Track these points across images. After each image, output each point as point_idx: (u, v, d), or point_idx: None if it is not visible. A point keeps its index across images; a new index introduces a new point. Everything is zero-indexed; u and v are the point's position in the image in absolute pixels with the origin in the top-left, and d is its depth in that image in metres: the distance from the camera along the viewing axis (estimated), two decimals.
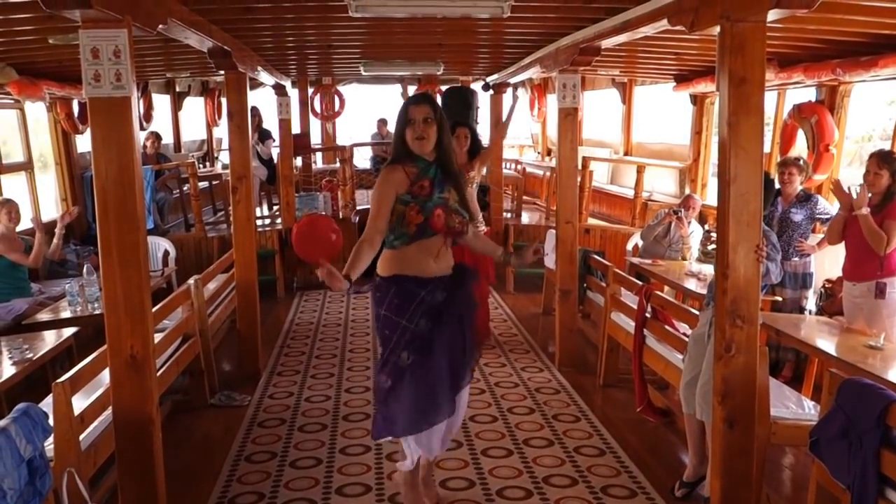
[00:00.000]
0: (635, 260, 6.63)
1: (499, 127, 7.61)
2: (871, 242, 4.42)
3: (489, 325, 6.68)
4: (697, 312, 4.24)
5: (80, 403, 3.29)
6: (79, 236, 7.90)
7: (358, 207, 9.50)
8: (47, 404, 3.14)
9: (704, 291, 4.93)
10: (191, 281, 5.26)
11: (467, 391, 3.53)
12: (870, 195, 4.55)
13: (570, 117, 5.72)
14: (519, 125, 13.24)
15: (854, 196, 4.51)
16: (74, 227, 7.94)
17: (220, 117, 12.08)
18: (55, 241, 5.98)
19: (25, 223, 6.10)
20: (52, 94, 6.85)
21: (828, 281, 5.41)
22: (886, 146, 5.53)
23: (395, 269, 3.25)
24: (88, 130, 3.10)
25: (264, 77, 7.44)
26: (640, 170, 8.52)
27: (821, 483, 3.01)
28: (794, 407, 3.71)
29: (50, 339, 4.56)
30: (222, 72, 5.51)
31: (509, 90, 9.51)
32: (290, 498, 3.79)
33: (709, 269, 5.49)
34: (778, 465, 4.26)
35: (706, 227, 6.58)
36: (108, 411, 3.33)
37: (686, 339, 4.15)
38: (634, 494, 3.83)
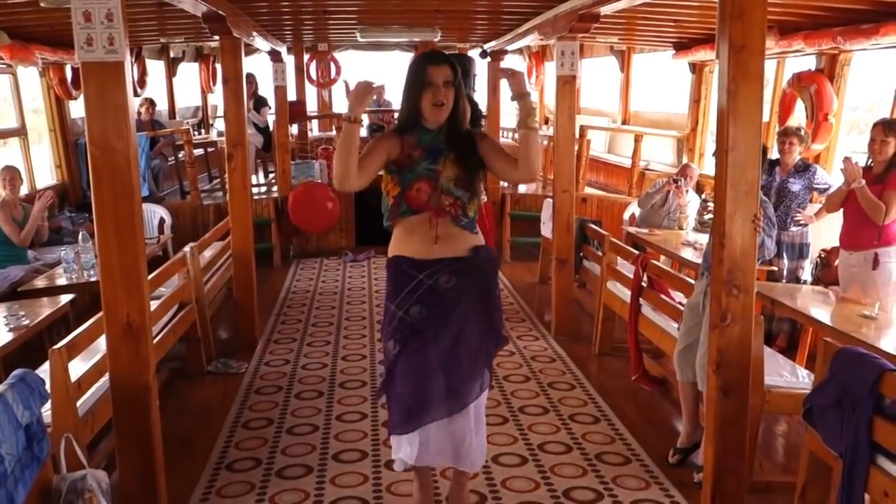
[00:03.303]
0: (632, 229, 6.63)
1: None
2: (870, 213, 4.41)
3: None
4: (693, 282, 4.25)
5: (77, 370, 3.30)
6: (74, 203, 7.86)
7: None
8: (44, 371, 3.14)
9: (700, 261, 4.94)
10: (186, 248, 5.25)
11: (475, 415, 2.86)
12: (871, 164, 4.53)
13: (567, 85, 5.69)
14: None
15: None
16: (69, 194, 7.91)
17: (214, 84, 11.97)
18: (41, 222, 5.93)
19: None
20: (44, 59, 6.77)
21: (823, 250, 5.41)
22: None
23: (393, 249, 2.85)
24: (82, 96, 3.06)
25: (259, 43, 7.36)
26: (638, 139, 8.49)
27: (813, 451, 3.03)
28: (788, 376, 3.73)
29: (46, 305, 4.55)
30: (217, 37, 5.45)
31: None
32: (287, 464, 3.82)
33: (706, 239, 5.49)
34: (771, 433, 4.31)
35: (703, 196, 6.58)
36: (105, 377, 3.34)
37: (681, 308, 4.17)
38: (628, 461, 3.87)
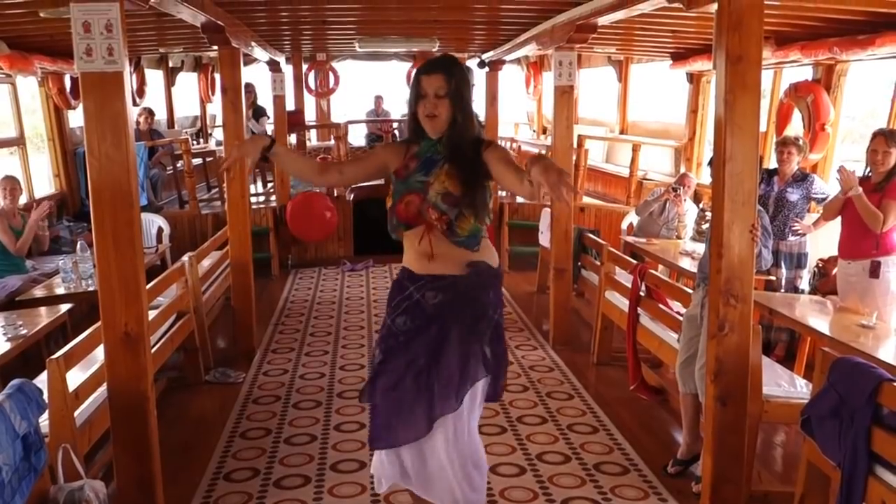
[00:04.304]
0: (630, 239, 6.63)
1: None
2: (868, 222, 4.41)
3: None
4: (691, 291, 4.25)
5: (74, 379, 3.29)
6: (72, 213, 7.86)
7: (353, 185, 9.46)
8: (42, 381, 3.14)
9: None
10: (185, 258, 5.25)
11: (450, 440, 2.74)
12: (869, 173, 4.54)
13: (565, 95, 5.70)
14: (515, 103, 13.19)
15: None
16: (68, 203, 7.91)
17: (213, 93, 11.98)
18: (40, 232, 5.92)
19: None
20: (43, 69, 6.78)
21: (821, 260, 5.42)
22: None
23: (403, 259, 2.81)
24: (81, 106, 3.07)
25: (258, 53, 7.39)
26: (636, 148, 8.51)
27: (812, 461, 3.03)
28: (787, 385, 3.73)
29: (44, 315, 4.55)
30: (216, 47, 5.47)
31: None
32: (285, 474, 3.81)
33: (703, 248, 5.50)
34: (770, 442, 4.30)
35: (701, 205, 6.59)
36: (103, 387, 3.33)
37: (679, 318, 4.17)
38: (627, 471, 3.86)
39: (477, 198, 2.65)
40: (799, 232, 5.38)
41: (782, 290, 5.32)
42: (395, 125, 11.87)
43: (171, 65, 11.13)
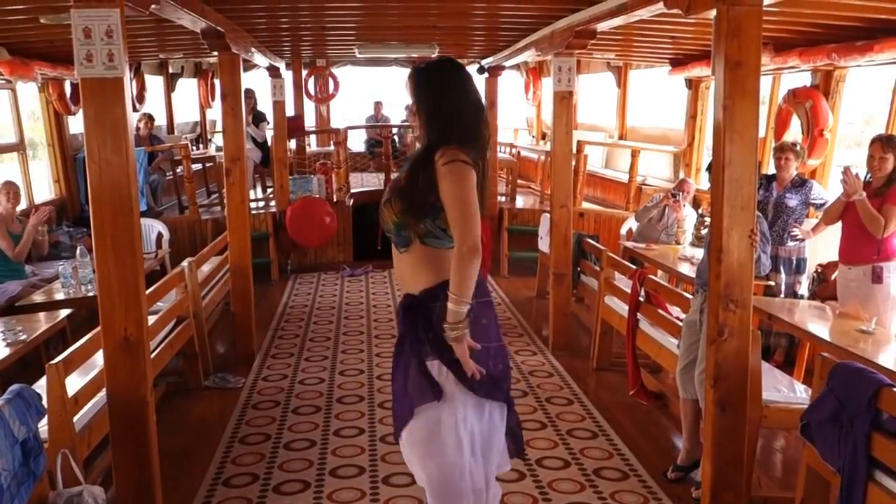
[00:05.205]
0: (629, 244, 6.64)
1: None
2: (870, 227, 4.41)
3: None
4: (690, 297, 4.25)
5: (74, 385, 3.29)
6: (72, 218, 7.86)
7: (352, 191, 9.47)
8: (41, 386, 3.14)
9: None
10: (184, 263, 5.25)
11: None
12: (870, 179, 4.54)
13: (565, 101, 5.72)
14: (514, 108, 13.21)
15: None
16: (67, 208, 7.92)
17: (213, 99, 12.00)
18: (39, 237, 5.91)
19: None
20: (43, 75, 6.79)
21: (819, 265, 5.42)
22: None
23: None
24: (81, 111, 3.07)
25: (258, 59, 7.40)
26: (635, 154, 8.52)
27: (811, 466, 3.03)
28: (786, 391, 3.73)
29: (44, 320, 4.55)
30: (215, 53, 5.49)
31: None
32: (285, 479, 3.81)
33: (702, 254, 5.50)
34: (769, 448, 4.30)
35: (700, 211, 6.59)
36: (103, 393, 3.32)
37: (679, 323, 4.18)
38: (626, 477, 3.86)
39: (414, 191, 2.42)
40: (798, 237, 5.38)
41: (781, 296, 5.33)
42: (394, 131, 11.88)
43: (171, 70, 11.14)
